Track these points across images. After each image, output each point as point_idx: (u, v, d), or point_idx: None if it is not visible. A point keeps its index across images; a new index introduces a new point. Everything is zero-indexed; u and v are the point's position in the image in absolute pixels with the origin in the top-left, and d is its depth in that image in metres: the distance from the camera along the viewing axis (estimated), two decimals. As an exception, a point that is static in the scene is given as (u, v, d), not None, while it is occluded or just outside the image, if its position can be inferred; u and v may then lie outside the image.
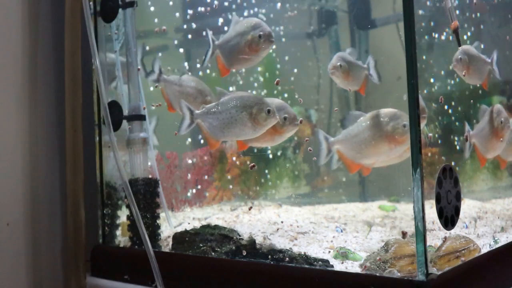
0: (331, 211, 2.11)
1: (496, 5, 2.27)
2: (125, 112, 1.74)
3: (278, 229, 1.63)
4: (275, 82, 1.45)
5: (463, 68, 1.53)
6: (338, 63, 1.48)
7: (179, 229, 1.68)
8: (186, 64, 2.35)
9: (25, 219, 1.72)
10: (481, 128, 1.66)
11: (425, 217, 1.13)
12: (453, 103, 1.96)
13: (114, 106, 1.72)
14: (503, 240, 1.53)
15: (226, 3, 2.29)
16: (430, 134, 1.43)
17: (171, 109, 1.70)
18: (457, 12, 1.55)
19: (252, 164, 1.45)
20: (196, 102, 1.67)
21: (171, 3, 2.25)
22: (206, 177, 2.29)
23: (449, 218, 1.26)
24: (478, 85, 1.74)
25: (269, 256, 1.37)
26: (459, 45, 1.43)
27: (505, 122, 1.67)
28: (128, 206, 1.64)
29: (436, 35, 2.03)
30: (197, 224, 1.72)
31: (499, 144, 1.69)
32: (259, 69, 2.38)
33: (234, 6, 2.32)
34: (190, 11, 2.35)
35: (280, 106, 1.45)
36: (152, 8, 2.09)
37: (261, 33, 1.42)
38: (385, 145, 1.48)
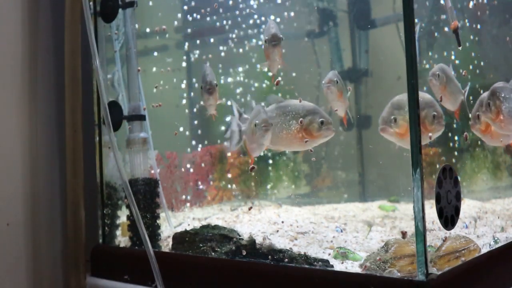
0: (331, 211, 2.11)
1: (496, 6, 2.27)
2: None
3: (278, 230, 1.63)
4: (275, 83, 1.44)
5: (439, 87, 1.49)
6: (335, 78, 1.47)
7: (179, 229, 1.68)
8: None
9: (25, 219, 1.72)
10: None
11: (425, 217, 1.13)
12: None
13: (114, 106, 1.72)
14: (503, 240, 1.53)
15: (226, 4, 2.29)
16: (430, 134, 1.42)
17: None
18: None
19: (252, 166, 1.44)
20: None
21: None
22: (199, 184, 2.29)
23: (449, 218, 1.26)
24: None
25: (269, 256, 1.37)
26: (459, 45, 1.43)
27: None
28: (128, 206, 1.64)
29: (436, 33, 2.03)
30: (197, 224, 1.72)
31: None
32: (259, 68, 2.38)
33: (233, 5, 2.32)
34: (190, 12, 2.35)
35: (314, 109, 1.43)
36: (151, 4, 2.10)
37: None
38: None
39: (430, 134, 1.41)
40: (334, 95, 1.47)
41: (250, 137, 1.42)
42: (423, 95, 1.47)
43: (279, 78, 1.44)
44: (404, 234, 1.30)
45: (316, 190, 2.53)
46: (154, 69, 2.14)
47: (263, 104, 1.44)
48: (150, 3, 2.09)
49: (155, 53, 2.26)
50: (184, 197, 2.22)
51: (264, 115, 1.37)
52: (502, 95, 1.44)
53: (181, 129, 2.29)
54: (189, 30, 2.40)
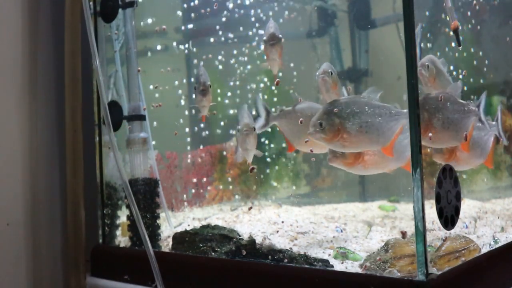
0: (331, 211, 2.11)
1: (496, 6, 2.27)
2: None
3: (278, 230, 1.63)
4: (275, 83, 1.44)
5: (429, 78, 1.43)
6: (330, 70, 1.45)
7: (179, 229, 1.68)
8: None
9: (25, 219, 1.72)
10: None
11: (425, 217, 1.13)
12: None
13: (114, 106, 1.72)
14: (503, 240, 1.53)
15: (227, 3, 2.29)
16: (430, 134, 1.42)
17: (292, 149, 1.53)
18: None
19: (252, 166, 1.44)
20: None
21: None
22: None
23: (449, 218, 1.26)
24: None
25: (269, 256, 1.37)
26: (459, 45, 1.42)
27: None
28: (128, 206, 1.64)
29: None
30: (197, 224, 1.72)
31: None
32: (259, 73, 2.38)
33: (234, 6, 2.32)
34: (190, 11, 2.35)
35: None
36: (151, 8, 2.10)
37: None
38: None
39: (430, 134, 1.41)
40: (328, 86, 1.43)
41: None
42: None
43: (278, 79, 1.44)
44: (404, 234, 1.30)
45: (316, 190, 2.52)
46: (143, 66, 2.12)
47: (245, 106, 1.45)
48: (150, 3, 2.10)
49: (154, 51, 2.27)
50: (184, 196, 2.22)
51: (246, 120, 1.38)
52: (433, 107, 1.36)
53: (181, 129, 2.29)
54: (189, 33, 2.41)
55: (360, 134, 1.31)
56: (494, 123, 1.65)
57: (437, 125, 1.34)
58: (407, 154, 1.43)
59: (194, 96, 1.51)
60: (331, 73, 1.43)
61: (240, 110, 1.42)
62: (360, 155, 1.41)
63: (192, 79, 2.32)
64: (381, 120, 1.32)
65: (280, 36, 1.37)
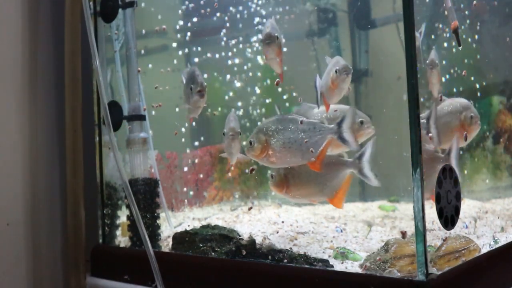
0: (331, 211, 2.11)
1: (496, 6, 2.27)
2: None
3: (278, 231, 1.63)
4: (275, 83, 1.44)
5: (437, 76, 1.43)
6: (350, 66, 1.44)
7: (179, 229, 1.68)
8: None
9: (25, 219, 1.72)
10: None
11: (425, 217, 1.13)
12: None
13: (114, 106, 1.72)
14: (503, 240, 1.53)
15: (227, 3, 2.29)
16: (430, 134, 1.42)
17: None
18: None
19: (252, 167, 1.45)
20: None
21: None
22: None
23: (449, 218, 1.26)
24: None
25: (269, 256, 1.37)
26: (459, 45, 1.42)
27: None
28: (128, 206, 1.64)
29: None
30: (197, 224, 1.72)
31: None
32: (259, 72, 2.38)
33: (235, 7, 2.32)
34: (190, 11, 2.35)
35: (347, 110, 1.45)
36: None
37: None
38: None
39: (430, 134, 1.41)
40: (347, 84, 1.42)
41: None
42: (460, 100, 1.52)
43: (278, 79, 1.44)
44: (404, 234, 1.30)
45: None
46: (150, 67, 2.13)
47: (233, 110, 1.46)
48: (150, 4, 2.10)
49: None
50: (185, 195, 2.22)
51: (232, 124, 1.41)
52: (273, 128, 1.40)
53: (182, 129, 2.29)
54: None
55: (284, 150, 1.39)
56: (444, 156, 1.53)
57: (276, 146, 1.40)
58: (335, 190, 1.52)
59: (187, 96, 1.49)
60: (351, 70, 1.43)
61: (230, 114, 1.44)
62: (282, 185, 1.47)
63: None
64: (304, 135, 1.38)
65: (277, 35, 1.36)
